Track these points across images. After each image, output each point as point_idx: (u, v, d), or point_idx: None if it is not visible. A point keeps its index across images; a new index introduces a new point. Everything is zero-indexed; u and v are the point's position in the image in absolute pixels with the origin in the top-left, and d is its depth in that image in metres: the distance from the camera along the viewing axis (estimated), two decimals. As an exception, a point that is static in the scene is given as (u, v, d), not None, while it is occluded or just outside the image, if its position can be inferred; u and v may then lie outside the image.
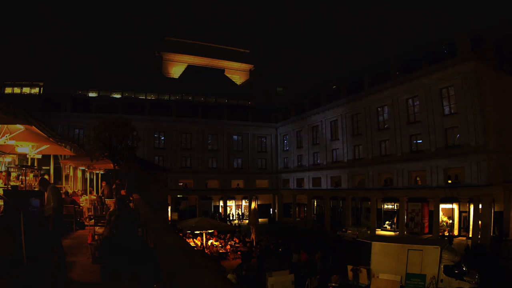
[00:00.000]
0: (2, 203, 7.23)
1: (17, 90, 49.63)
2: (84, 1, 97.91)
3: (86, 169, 16.19)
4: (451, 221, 31.46)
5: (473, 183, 27.68)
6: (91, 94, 53.81)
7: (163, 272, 3.96)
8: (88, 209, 12.87)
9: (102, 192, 15.33)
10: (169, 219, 36.35)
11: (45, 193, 7.13)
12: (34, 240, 5.63)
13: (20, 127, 8.12)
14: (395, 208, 35.87)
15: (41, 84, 50.97)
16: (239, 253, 25.51)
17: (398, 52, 54.67)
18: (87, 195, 15.22)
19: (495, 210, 28.05)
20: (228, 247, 26.68)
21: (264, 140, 55.47)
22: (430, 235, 30.17)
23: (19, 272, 5.36)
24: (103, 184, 15.88)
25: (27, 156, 11.29)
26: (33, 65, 50.62)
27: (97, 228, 10.19)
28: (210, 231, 23.86)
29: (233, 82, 73.11)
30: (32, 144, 10.35)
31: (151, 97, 57.00)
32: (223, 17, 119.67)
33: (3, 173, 11.27)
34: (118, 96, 55.07)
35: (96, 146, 11.88)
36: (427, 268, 16.05)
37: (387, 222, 36.89)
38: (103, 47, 71.47)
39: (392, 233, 34.76)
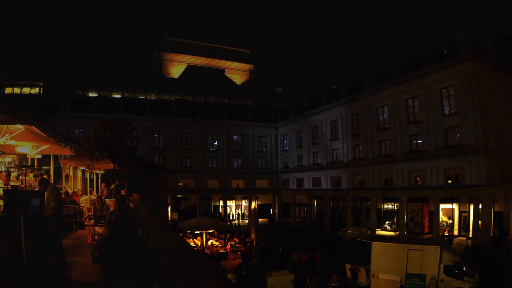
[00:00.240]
0: (2, 203, 7.24)
1: (17, 90, 49.66)
2: (84, 1, 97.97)
3: (86, 169, 16.18)
4: (451, 221, 31.45)
5: (473, 183, 27.67)
6: (91, 94, 53.80)
7: (163, 272, 3.96)
8: (88, 209, 12.88)
9: (101, 193, 15.33)
10: (169, 219, 36.31)
11: (45, 193, 7.13)
12: (34, 240, 5.62)
13: (20, 127, 8.12)
14: (395, 208, 35.89)
15: (41, 84, 51.02)
16: (239, 253, 25.51)
17: (398, 52, 54.83)
18: (87, 195, 15.23)
19: (495, 210, 28.03)
20: (228, 247, 26.68)
21: (264, 140, 55.46)
22: (430, 235, 30.19)
23: (19, 272, 5.36)
24: (103, 185, 15.88)
25: (27, 156, 11.29)
26: (33, 65, 50.58)
27: (97, 228, 10.18)
28: (210, 231, 23.84)
29: (233, 82, 73.07)
30: (32, 144, 10.35)
31: (151, 97, 56.99)
32: (223, 17, 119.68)
33: (3, 173, 11.29)
34: (118, 96, 55.05)
35: (96, 146, 11.86)
36: (427, 268, 16.03)
37: (387, 222, 36.91)
38: (103, 47, 71.38)
39: (392, 233, 34.77)
